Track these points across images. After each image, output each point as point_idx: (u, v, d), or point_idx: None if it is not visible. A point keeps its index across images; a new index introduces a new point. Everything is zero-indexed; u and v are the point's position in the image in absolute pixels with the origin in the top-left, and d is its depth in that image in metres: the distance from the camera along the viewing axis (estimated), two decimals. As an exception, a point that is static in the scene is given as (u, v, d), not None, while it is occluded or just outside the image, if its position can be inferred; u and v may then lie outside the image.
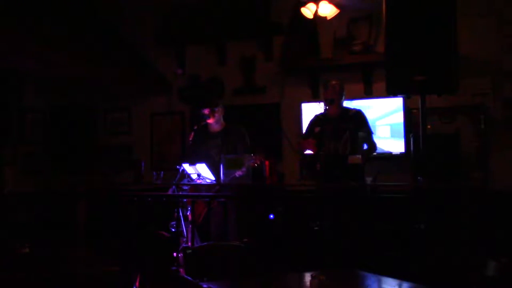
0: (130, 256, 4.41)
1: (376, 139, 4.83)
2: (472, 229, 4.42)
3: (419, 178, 3.89)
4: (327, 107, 4.60)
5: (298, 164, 5.84)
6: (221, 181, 4.44)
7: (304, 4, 5.46)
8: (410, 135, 5.20)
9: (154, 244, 4.42)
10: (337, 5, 5.41)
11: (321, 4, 5.38)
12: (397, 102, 5.45)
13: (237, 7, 6.18)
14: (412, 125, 5.32)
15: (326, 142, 4.53)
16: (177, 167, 4.63)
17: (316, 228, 4.32)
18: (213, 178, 4.60)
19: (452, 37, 3.65)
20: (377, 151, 4.89)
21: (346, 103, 4.91)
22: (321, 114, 4.83)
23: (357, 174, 4.39)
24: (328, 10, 5.41)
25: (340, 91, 4.67)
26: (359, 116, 4.68)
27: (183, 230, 4.45)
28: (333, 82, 4.70)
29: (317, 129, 4.63)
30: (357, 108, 4.83)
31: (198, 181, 4.65)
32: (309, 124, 4.90)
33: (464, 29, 4.09)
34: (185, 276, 3.84)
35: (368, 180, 4.75)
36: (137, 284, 4.03)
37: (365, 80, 5.77)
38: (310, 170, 4.61)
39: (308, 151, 4.74)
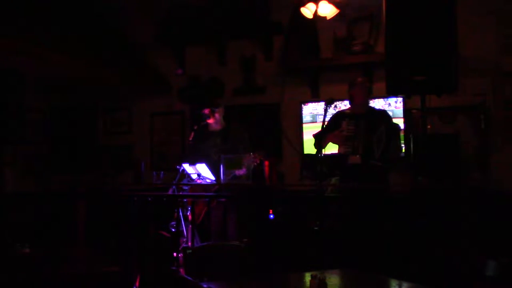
0: (130, 256, 4.41)
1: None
2: (472, 229, 4.42)
3: (419, 178, 3.89)
4: (351, 105, 4.58)
5: (298, 164, 5.85)
6: (221, 181, 4.44)
7: (304, 4, 5.46)
8: (410, 135, 5.20)
9: (154, 244, 4.42)
10: (337, 5, 5.40)
11: (321, 4, 5.38)
12: (397, 102, 5.46)
13: (237, 7, 6.17)
14: (412, 125, 5.32)
15: (359, 136, 4.44)
16: (177, 167, 4.64)
17: (316, 228, 4.32)
18: (213, 178, 4.60)
19: (452, 37, 3.65)
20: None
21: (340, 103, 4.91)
22: (345, 109, 4.77)
23: (380, 177, 4.38)
24: (328, 10, 5.41)
25: (368, 88, 4.68)
26: (386, 114, 4.68)
27: (183, 230, 4.45)
28: (361, 79, 4.66)
29: (344, 123, 4.50)
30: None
31: (198, 181, 4.66)
32: (332, 118, 4.71)
33: (464, 29, 4.08)
34: (185, 276, 3.85)
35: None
36: (137, 284, 4.03)
37: (365, 80, 5.77)
38: (311, 170, 4.60)
39: (307, 151, 4.71)
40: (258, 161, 4.41)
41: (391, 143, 4.42)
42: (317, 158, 4.47)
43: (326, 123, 4.48)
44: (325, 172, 4.49)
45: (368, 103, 4.71)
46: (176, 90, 6.60)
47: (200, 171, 4.60)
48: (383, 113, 4.71)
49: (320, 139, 4.48)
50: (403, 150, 5.00)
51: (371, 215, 4.20)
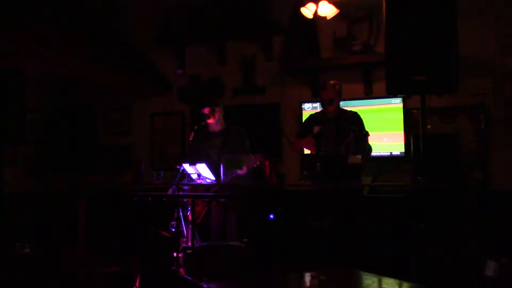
0: (130, 256, 4.41)
1: (376, 139, 4.81)
2: (472, 229, 4.42)
3: (419, 178, 3.89)
4: (326, 107, 4.60)
5: (298, 164, 5.85)
6: (221, 181, 4.44)
7: (304, 4, 5.46)
8: (410, 135, 5.20)
9: (154, 244, 4.42)
10: (337, 5, 5.40)
11: (321, 4, 5.38)
12: (397, 102, 5.46)
13: (237, 7, 6.17)
14: (412, 125, 5.32)
15: (328, 142, 4.48)
16: (177, 167, 4.63)
17: (316, 228, 4.32)
18: (213, 178, 4.60)
19: (452, 37, 3.65)
20: (377, 151, 4.88)
21: (345, 103, 4.89)
22: (317, 113, 4.81)
23: (356, 175, 4.38)
24: (328, 10, 5.41)
25: (339, 91, 4.66)
26: (357, 118, 4.65)
27: (183, 230, 4.45)
28: (332, 82, 4.68)
29: (316, 129, 4.56)
30: (353, 110, 4.80)
31: (198, 181, 4.65)
32: (304, 123, 4.86)
33: (464, 29, 4.08)
34: (185, 276, 3.85)
35: (368, 180, 4.73)
36: (137, 284, 4.03)
37: (365, 80, 5.77)
38: (311, 170, 4.60)
39: (306, 151, 4.71)
40: (258, 163, 4.41)
41: (358, 149, 4.41)
42: (317, 158, 4.47)
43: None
44: (325, 172, 4.49)
45: (339, 105, 4.68)
46: (176, 90, 6.60)
47: (200, 171, 4.59)
48: (354, 116, 4.66)
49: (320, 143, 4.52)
50: (367, 150, 4.95)
51: (371, 215, 4.20)
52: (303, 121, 4.74)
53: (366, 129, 4.52)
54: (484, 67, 5.29)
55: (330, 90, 4.60)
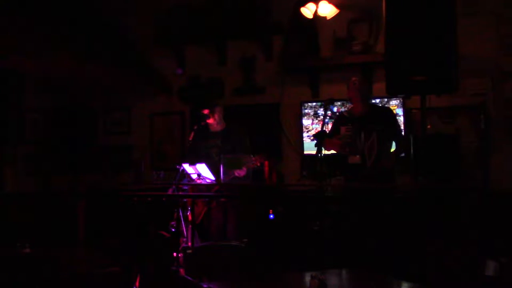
0: (130, 256, 4.41)
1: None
2: (472, 229, 4.42)
3: (419, 178, 3.89)
4: (352, 105, 4.55)
5: (298, 164, 5.85)
6: (221, 181, 4.44)
7: (304, 4, 5.46)
8: (410, 135, 5.20)
9: (154, 244, 4.42)
10: (337, 5, 5.41)
11: (321, 4, 5.39)
12: (397, 102, 5.46)
13: (237, 7, 6.17)
14: (412, 125, 5.32)
15: (354, 143, 4.41)
16: (177, 167, 4.63)
17: (316, 228, 4.32)
18: (213, 178, 4.61)
19: (452, 37, 3.65)
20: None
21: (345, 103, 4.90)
22: (345, 111, 4.75)
23: (388, 178, 4.35)
24: (328, 10, 5.42)
25: (360, 87, 4.56)
26: (388, 114, 4.59)
27: (183, 230, 4.45)
28: (353, 79, 4.62)
29: (343, 129, 4.49)
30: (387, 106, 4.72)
31: (198, 181, 4.65)
32: (334, 123, 4.72)
33: (464, 29, 4.08)
34: (185, 276, 3.85)
35: None
36: (137, 284, 4.03)
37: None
38: (311, 170, 4.59)
39: (332, 151, 4.59)
40: (258, 164, 4.41)
41: (383, 149, 4.36)
42: (317, 158, 4.47)
43: (325, 125, 4.46)
44: (325, 172, 4.49)
45: (366, 101, 4.61)
46: (176, 90, 6.60)
47: (200, 171, 4.60)
48: (384, 112, 4.63)
49: (320, 143, 4.47)
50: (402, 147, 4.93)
51: (371, 215, 4.20)
52: (334, 120, 4.63)
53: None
54: (484, 67, 5.28)
55: (351, 87, 4.57)
